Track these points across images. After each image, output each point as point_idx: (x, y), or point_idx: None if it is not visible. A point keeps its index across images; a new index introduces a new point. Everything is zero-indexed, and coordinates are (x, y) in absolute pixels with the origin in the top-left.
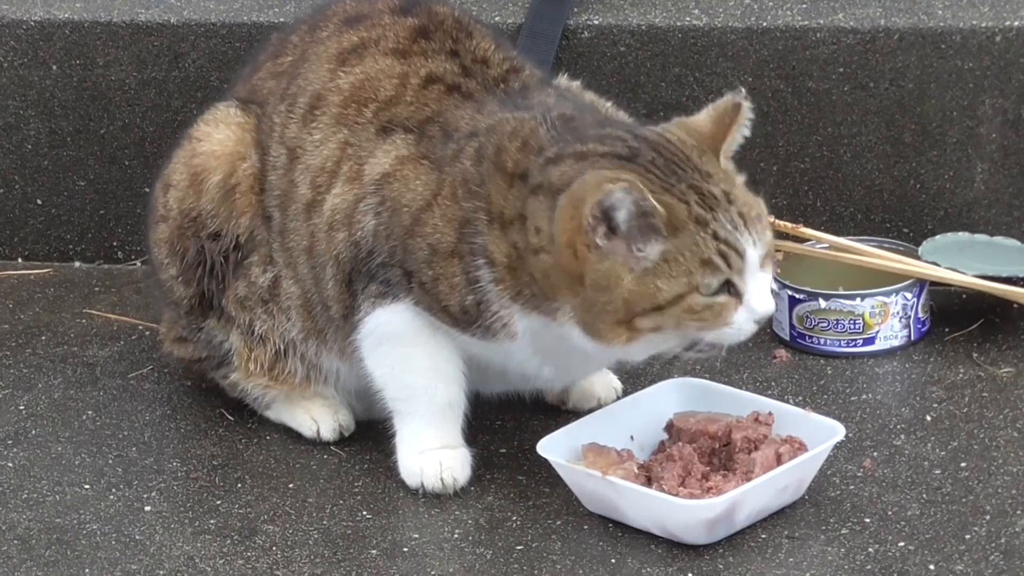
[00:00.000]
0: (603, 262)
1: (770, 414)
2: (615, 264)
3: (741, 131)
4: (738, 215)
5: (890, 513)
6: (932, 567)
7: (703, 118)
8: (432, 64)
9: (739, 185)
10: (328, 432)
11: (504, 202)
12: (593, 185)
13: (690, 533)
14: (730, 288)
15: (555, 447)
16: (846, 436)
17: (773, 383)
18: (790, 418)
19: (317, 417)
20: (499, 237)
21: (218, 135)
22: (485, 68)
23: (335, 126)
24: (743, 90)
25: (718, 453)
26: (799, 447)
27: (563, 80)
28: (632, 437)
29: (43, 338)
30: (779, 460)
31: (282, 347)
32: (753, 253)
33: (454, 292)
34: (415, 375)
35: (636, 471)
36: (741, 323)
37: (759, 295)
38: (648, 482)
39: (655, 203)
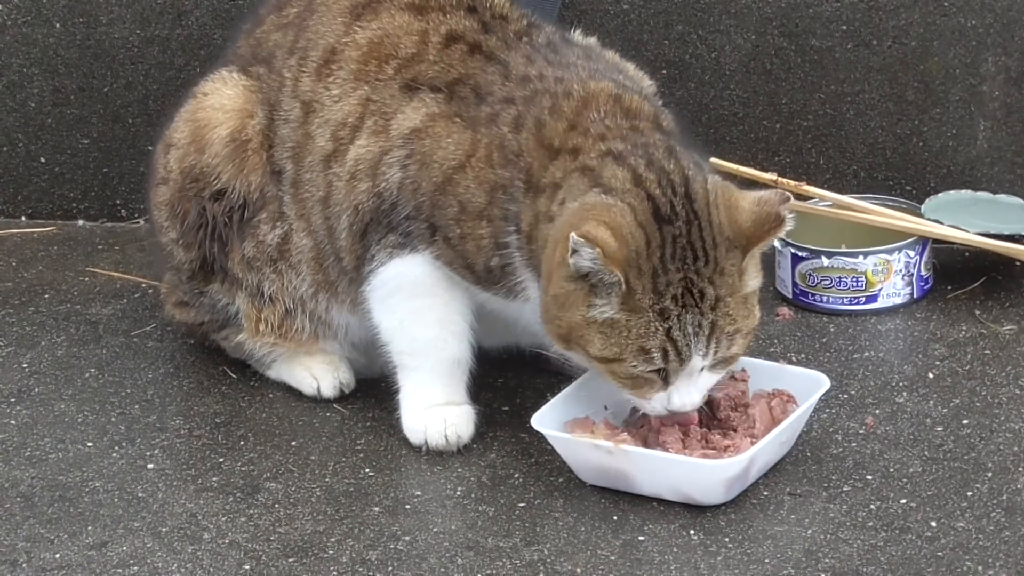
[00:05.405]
0: (569, 283)
1: (743, 370)
2: (576, 291)
3: (775, 239)
4: (709, 324)
5: (892, 470)
6: (934, 524)
7: (748, 209)
8: (451, 21)
9: (741, 295)
10: (328, 389)
11: (543, 173)
12: (587, 219)
13: (709, 494)
14: (660, 372)
15: (546, 422)
16: (848, 394)
17: (776, 340)
18: (768, 372)
19: (317, 374)
20: (530, 206)
21: (228, 91)
22: (504, 23)
23: (354, 82)
24: (790, 197)
25: (700, 413)
26: (788, 400)
27: (578, 36)
28: (606, 407)
29: (46, 296)
30: (772, 414)
31: (291, 305)
32: (698, 362)
33: (480, 252)
34: (425, 327)
35: (632, 439)
36: (656, 404)
37: (684, 393)
38: (646, 448)
39: (622, 277)
